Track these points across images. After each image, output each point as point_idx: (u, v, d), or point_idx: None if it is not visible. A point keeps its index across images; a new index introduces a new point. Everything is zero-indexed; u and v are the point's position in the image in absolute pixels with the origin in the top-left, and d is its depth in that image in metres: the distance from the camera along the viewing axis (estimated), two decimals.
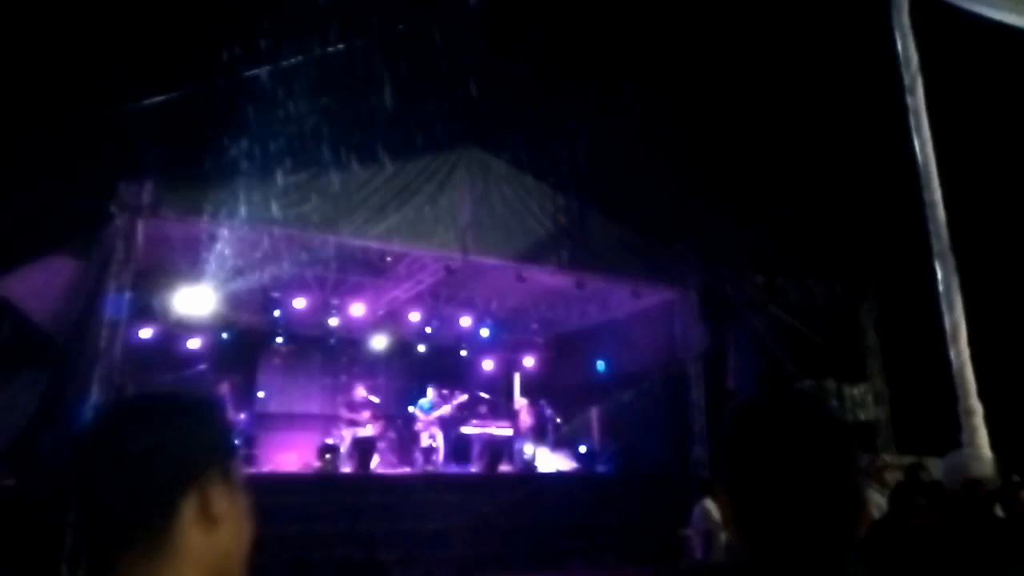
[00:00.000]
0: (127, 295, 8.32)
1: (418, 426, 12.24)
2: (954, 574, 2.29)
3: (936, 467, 7.85)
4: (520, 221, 10.71)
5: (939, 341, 5.00)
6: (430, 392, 12.69)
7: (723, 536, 6.66)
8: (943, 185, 4.94)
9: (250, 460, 11.57)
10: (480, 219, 10.33)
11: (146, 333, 12.28)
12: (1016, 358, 10.39)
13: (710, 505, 6.78)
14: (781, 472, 0.97)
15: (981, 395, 4.62)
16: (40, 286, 8.56)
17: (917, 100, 5.12)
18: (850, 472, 1.00)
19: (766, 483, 0.98)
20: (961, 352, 4.62)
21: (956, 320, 4.67)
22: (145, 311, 12.02)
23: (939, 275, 4.78)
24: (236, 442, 1.10)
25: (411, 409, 12.78)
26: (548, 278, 11.94)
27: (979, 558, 2.33)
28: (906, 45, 5.24)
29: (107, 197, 8.25)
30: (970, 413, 4.47)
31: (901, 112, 5.27)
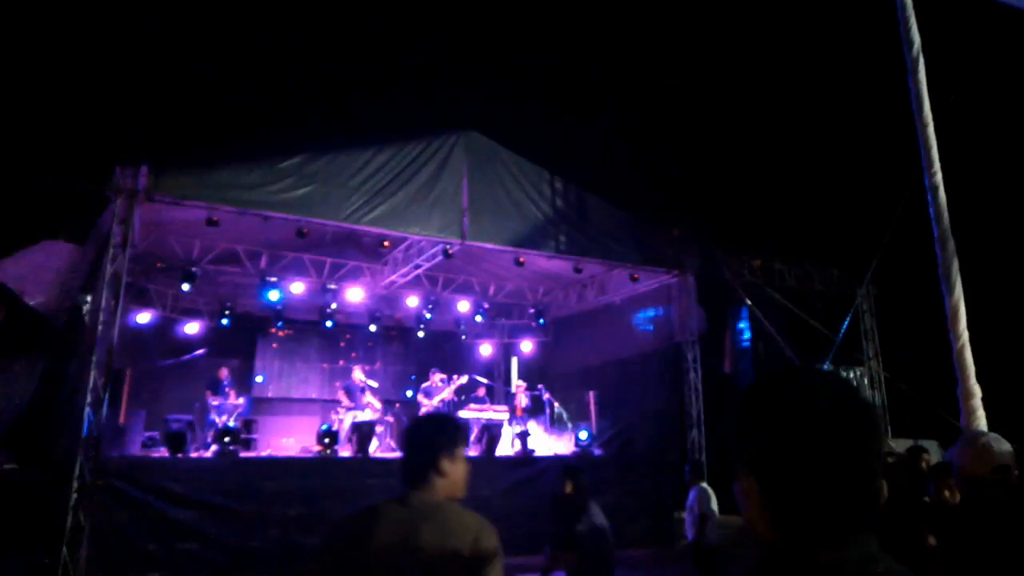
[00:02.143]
0: (124, 279, 8.28)
1: (422, 411, 12.27)
2: (993, 554, 2.30)
3: (933, 450, 7.90)
4: (518, 205, 10.66)
5: (936, 325, 5.01)
6: (432, 376, 12.70)
7: (716, 520, 6.69)
8: (944, 168, 4.93)
9: (249, 445, 11.61)
10: (478, 203, 10.28)
11: (144, 318, 12.26)
12: (1012, 342, 10.43)
13: (706, 489, 6.82)
14: (818, 452, 0.96)
15: (979, 378, 4.65)
16: (36, 271, 8.52)
17: (919, 82, 5.10)
18: (879, 450, 1.00)
19: (802, 463, 0.96)
20: (960, 335, 4.63)
21: (956, 303, 4.68)
22: (142, 296, 12.01)
23: (939, 258, 4.78)
24: (460, 437, 2.23)
25: (411, 395, 12.80)
26: (546, 262, 11.93)
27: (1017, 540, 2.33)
28: (908, 26, 5.20)
29: (103, 181, 8.19)
30: (969, 396, 4.49)
31: (903, 94, 5.24)
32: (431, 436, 2.17)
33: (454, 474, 2.13)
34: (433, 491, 2.08)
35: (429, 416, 2.34)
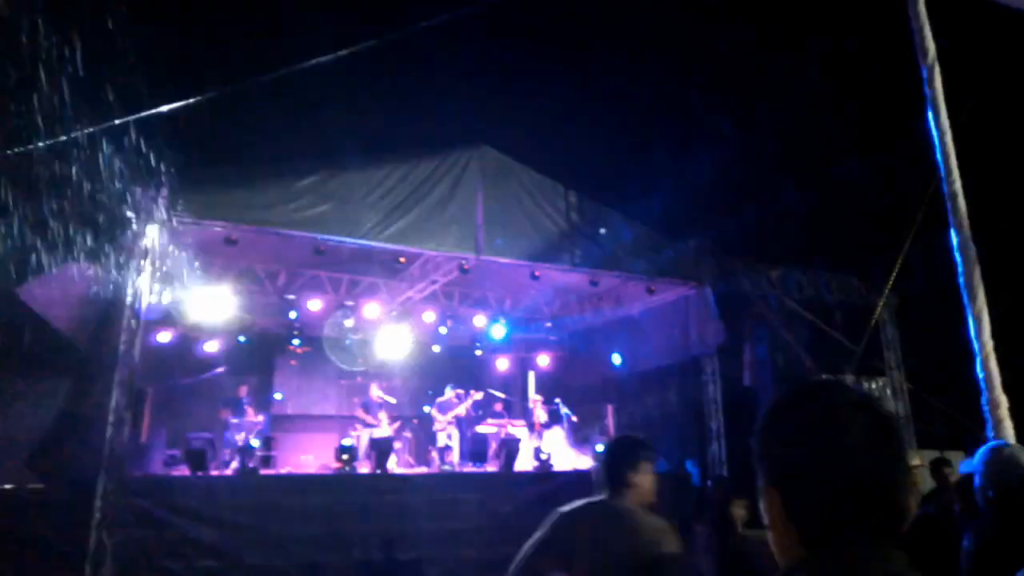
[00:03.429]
0: (145, 300, 8.39)
1: (436, 426, 12.27)
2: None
3: (958, 462, 7.75)
4: (533, 220, 10.68)
5: (960, 334, 4.93)
6: (448, 392, 12.70)
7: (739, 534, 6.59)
8: (963, 174, 4.88)
9: (269, 462, 11.65)
10: (493, 218, 10.32)
11: (165, 337, 12.38)
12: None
13: (732, 503, 6.72)
14: (842, 466, 0.95)
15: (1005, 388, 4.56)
16: (59, 293, 8.65)
17: (935, 90, 5.07)
18: (904, 464, 0.99)
19: (825, 477, 0.96)
20: (985, 344, 4.56)
21: (979, 311, 4.61)
22: (163, 315, 12.13)
23: (960, 266, 4.72)
24: (642, 455, 2.60)
25: (427, 409, 12.80)
26: (562, 276, 11.92)
27: None
28: (923, 35, 5.18)
29: (123, 202, 8.32)
30: (995, 406, 4.42)
31: (920, 102, 5.21)
32: (617, 454, 2.64)
33: (640, 485, 2.57)
34: (623, 499, 2.54)
35: (618, 439, 2.82)
